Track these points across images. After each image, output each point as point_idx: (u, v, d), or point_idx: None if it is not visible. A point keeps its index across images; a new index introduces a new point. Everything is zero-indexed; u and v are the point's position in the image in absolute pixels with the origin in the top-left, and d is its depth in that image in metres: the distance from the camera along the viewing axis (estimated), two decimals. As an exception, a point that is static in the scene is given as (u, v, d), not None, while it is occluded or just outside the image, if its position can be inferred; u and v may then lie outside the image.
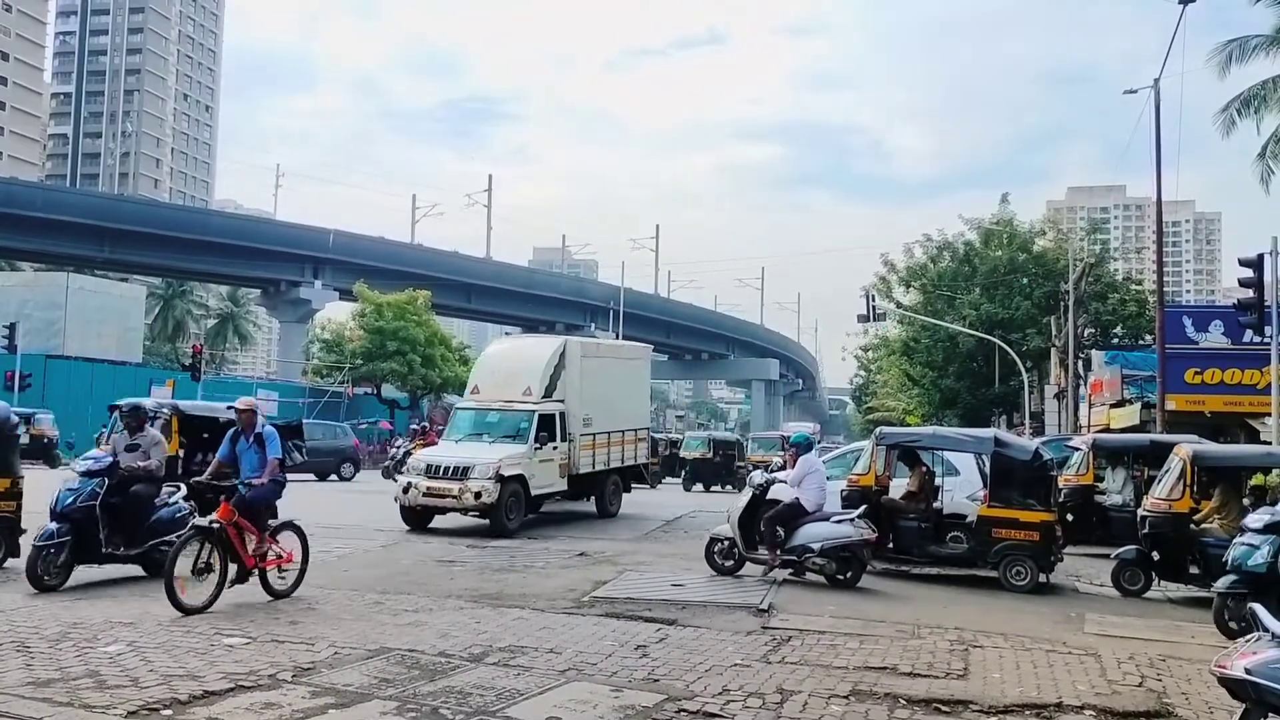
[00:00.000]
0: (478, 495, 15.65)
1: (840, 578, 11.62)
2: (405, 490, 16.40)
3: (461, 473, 15.94)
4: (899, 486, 13.89)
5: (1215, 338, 24.88)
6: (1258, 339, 19.77)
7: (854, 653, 8.03)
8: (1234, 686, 4.44)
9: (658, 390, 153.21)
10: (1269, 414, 18.72)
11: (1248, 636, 4.67)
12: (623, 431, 19.73)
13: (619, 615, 9.40)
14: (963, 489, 14.59)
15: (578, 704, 6.31)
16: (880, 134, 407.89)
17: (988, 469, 13.11)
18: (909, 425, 43.45)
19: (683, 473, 34.41)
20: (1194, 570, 11.33)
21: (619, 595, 10.55)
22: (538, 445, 16.83)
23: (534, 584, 11.23)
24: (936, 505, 13.62)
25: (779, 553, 11.75)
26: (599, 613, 9.54)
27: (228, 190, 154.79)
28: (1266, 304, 17.16)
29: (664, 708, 6.28)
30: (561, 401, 17.75)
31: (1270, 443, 17.69)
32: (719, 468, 34.44)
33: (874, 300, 40.61)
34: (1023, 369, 40.30)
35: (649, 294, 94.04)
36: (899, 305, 47.11)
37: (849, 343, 72.03)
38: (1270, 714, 4.37)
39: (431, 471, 16.29)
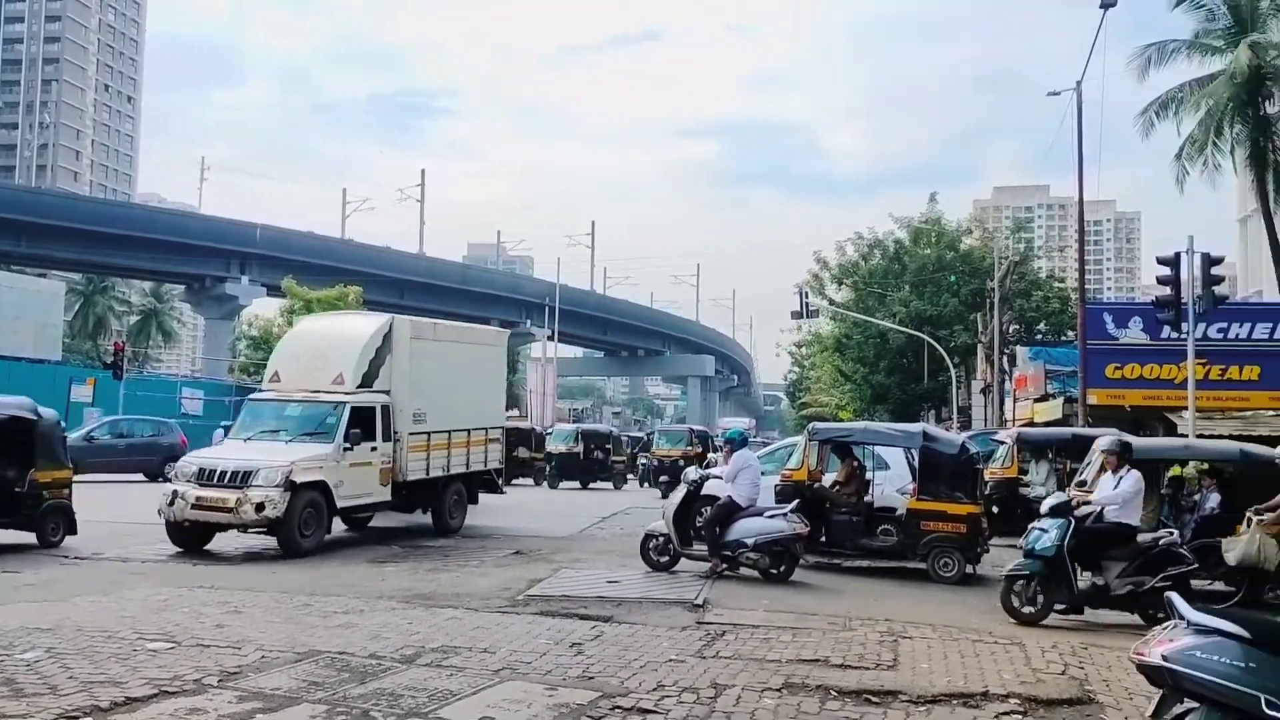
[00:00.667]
0: (260, 507, 12.66)
1: (774, 572, 11.73)
2: (170, 501, 13.10)
3: (242, 478, 12.89)
4: (831, 480, 14.07)
5: (1134, 334, 25.56)
6: (1175, 335, 20.36)
7: (787, 646, 8.11)
8: (1152, 673, 4.56)
9: (594, 387, 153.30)
10: (1186, 407, 19.30)
11: (1164, 624, 4.79)
12: (468, 431, 16.58)
13: (554, 613, 9.38)
14: (893, 483, 14.80)
15: (511, 703, 6.27)
16: (818, 133, 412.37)
17: (916, 463, 13.34)
18: (841, 420, 44.06)
19: (546, 469, 32.11)
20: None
21: (554, 593, 10.53)
22: (348, 445, 13.82)
23: (468, 583, 11.15)
24: (867, 499, 13.81)
25: (719, 560, 11.84)
26: (534, 611, 9.51)
27: (151, 184, 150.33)
28: (1183, 301, 17.67)
29: (598, 705, 6.27)
30: (385, 393, 14.85)
31: (1187, 435, 18.23)
32: (591, 464, 32.48)
33: (807, 297, 41.08)
34: (950, 365, 41.10)
35: (585, 290, 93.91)
36: (831, 302, 47.75)
37: (783, 339, 72.80)
38: (1186, 699, 4.50)
39: (204, 477, 13.19)
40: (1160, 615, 9.41)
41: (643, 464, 35.18)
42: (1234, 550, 10.78)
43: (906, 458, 14.27)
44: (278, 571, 11.88)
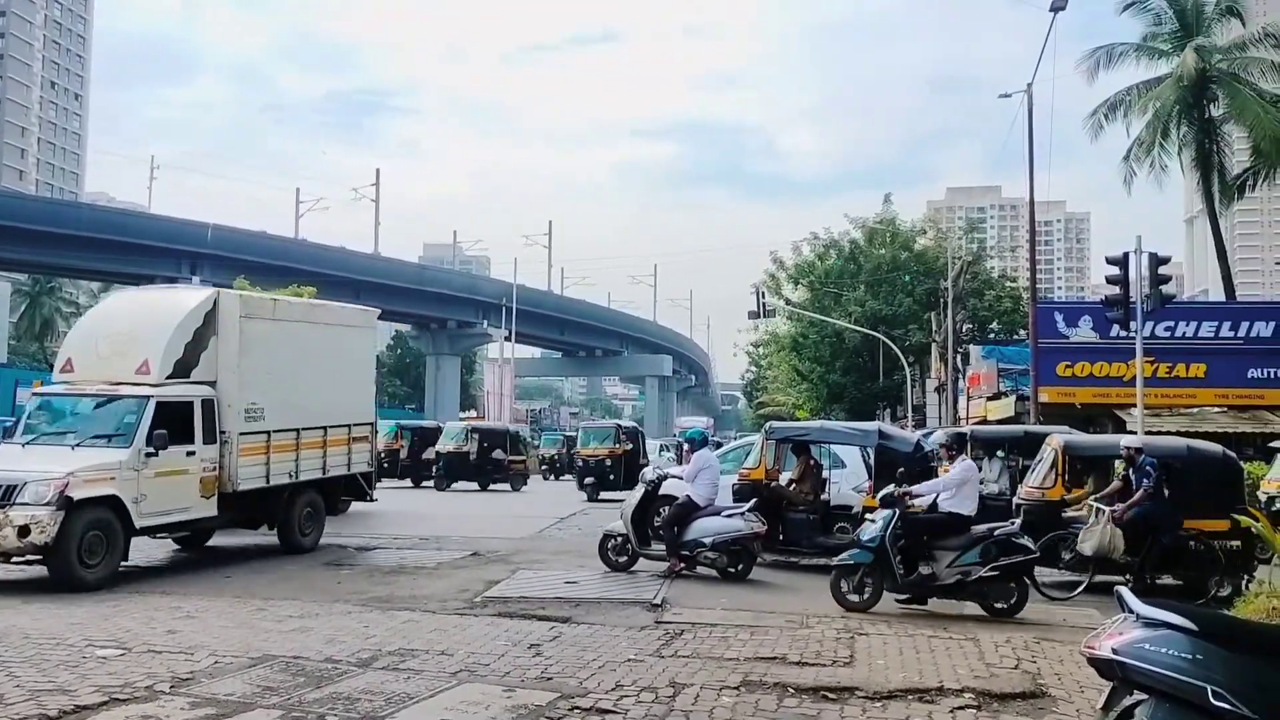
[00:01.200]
0: (24, 531, 10.15)
1: (732, 570, 11.78)
2: None
3: (3, 495, 10.38)
4: (787, 478, 14.15)
5: (1084, 332, 25.99)
6: (1124, 333, 20.72)
7: (745, 644, 8.15)
8: (1102, 666, 4.62)
9: (551, 387, 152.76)
10: (1135, 405, 19.63)
11: (1114, 618, 4.86)
12: (324, 429, 14.09)
13: (512, 614, 9.35)
14: (849, 481, 14.93)
15: (469, 705, 6.24)
16: (774, 134, 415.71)
17: (872, 461, 13.45)
18: (799, 419, 44.34)
19: (434, 468, 30.39)
20: (1066, 555, 11.81)
21: (512, 594, 10.50)
22: (152, 450, 11.22)
23: (425, 585, 11.08)
24: (824, 497, 13.90)
25: (677, 560, 11.87)
26: (492, 613, 9.47)
27: (99, 183, 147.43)
28: (1131, 300, 17.98)
29: (557, 706, 6.26)
30: (209, 384, 12.35)
31: (1136, 432, 18.54)
32: (485, 464, 30.36)
33: (764, 297, 41.27)
34: (905, 364, 41.47)
35: (543, 291, 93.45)
36: (788, 302, 47.97)
37: (740, 339, 73.04)
38: (1135, 691, 4.57)
39: None
40: (999, 605, 9.71)
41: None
42: (1089, 541, 11.17)
43: (862, 456, 14.38)
44: (231, 575, 11.73)
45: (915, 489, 10.52)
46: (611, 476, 27.29)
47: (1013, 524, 10.37)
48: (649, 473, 12.96)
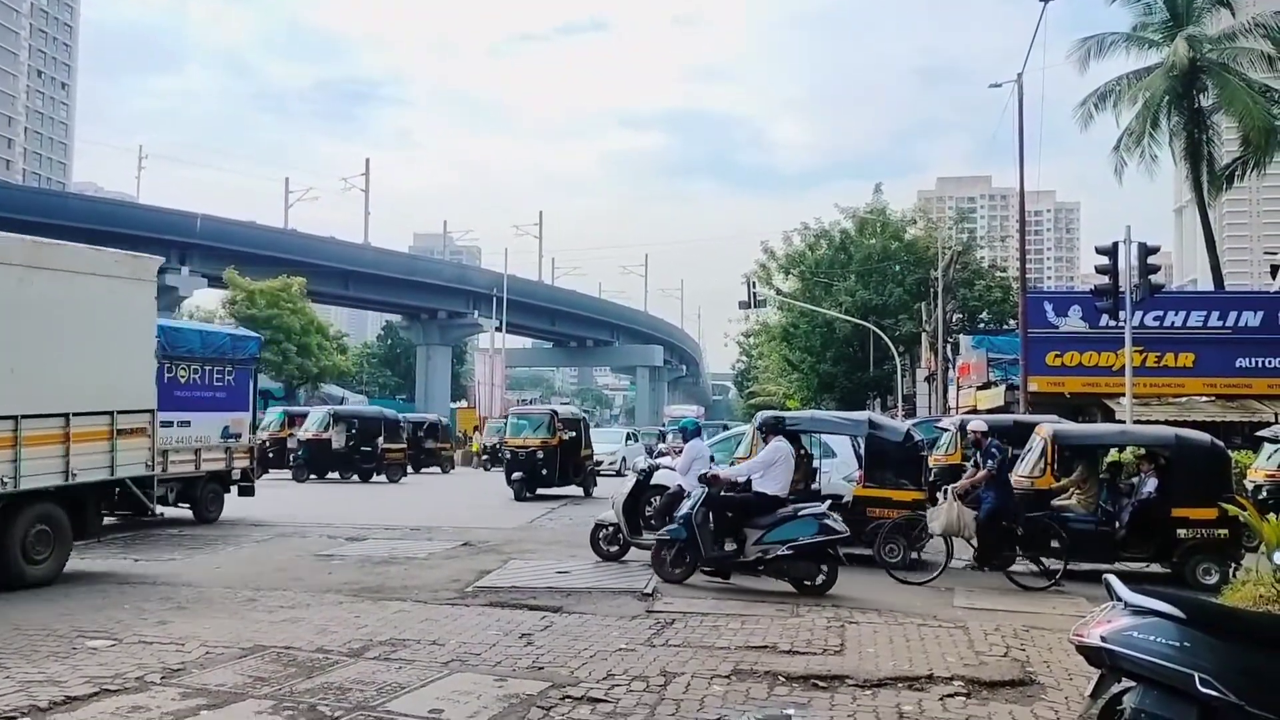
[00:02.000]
0: None
1: (722, 560, 11.81)
2: None
3: None
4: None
5: (1074, 322, 26.05)
6: (1113, 323, 20.77)
7: (735, 633, 8.17)
8: (1090, 654, 4.65)
9: (542, 378, 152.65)
10: (1123, 394, 19.71)
11: (1103, 605, 4.89)
12: (66, 417, 10.34)
13: (503, 604, 9.36)
14: (839, 470, 14.95)
15: (461, 695, 6.25)
16: (763, 125, 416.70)
17: (863, 451, 13.49)
18: (789, 409, 44.41)
19: (292, 458, 27.87)
20: (1055, 544, 11.85)
21: (503, 584, 10.51)
22: None
23: (416, 576, 11.08)
24: (814, 487, 13.91)
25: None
26: (483, 602, 9.48)
27: (87, 173, 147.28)
28: (1121, 290, 18.03)
29: (548, 695, 6.27)
30: None
31: (1125, 421, 18.62)
32: (350, 454, 27.87)
33: (755, 287, 41.30)
34: (895, 353, 41.56)
35: (534, 281, 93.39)
36: (779, 292, 48.02)
37: (731, 329, 73.01)
38: (1124, 678, 4.60)
39: None
40: (807, 582, 10.08)
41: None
42: (937, 520, 11.44)
43: (853, 445, 14.42)
44: (222, 566, 11.71)
45: (728, 470, 11.05)
46: (544, 471, 22.69)
47: (820, 504, 10.71)
48: (640, 462, 12.98)
